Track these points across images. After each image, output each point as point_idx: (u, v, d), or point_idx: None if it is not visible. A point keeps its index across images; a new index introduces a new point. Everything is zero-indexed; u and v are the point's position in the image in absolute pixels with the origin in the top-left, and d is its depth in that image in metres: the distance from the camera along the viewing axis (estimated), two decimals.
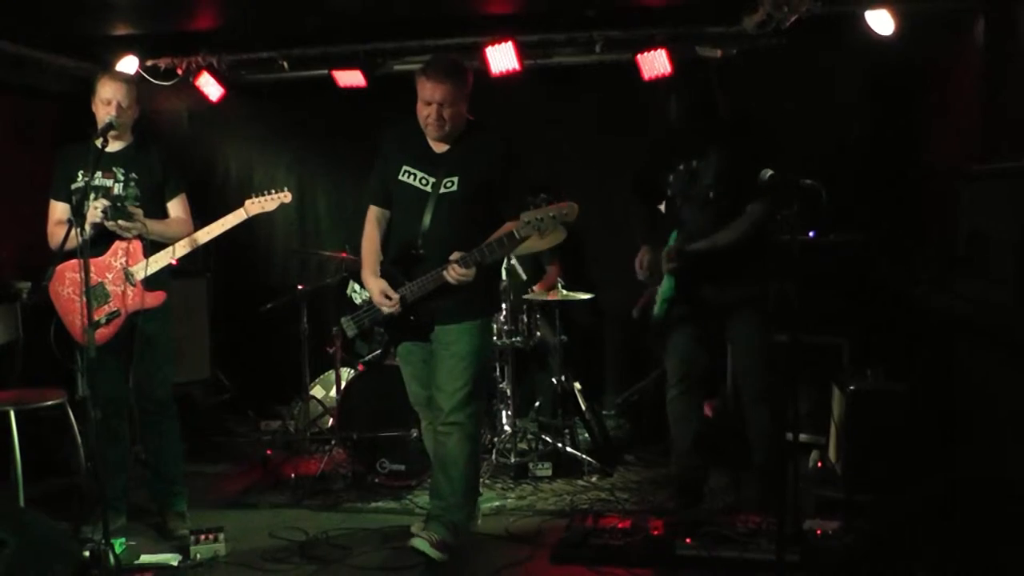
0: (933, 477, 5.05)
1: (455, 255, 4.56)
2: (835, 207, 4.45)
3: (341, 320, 5.05)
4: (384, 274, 4.79)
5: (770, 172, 4.33)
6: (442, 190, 4.70)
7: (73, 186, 4.98)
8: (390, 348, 5.02)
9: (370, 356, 6.16)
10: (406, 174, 4.78)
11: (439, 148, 4.78)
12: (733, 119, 5.12)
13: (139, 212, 4.94)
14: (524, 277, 6.79)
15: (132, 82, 5.17)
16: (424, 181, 4.74)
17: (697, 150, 5.09)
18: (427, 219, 4.71)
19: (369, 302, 4.89)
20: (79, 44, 7.26)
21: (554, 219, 4.45)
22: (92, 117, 5.03)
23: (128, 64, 7.23)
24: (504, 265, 6.30)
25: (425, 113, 4.63)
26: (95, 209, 4.83)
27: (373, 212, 4.96)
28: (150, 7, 6.69)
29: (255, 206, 5.23)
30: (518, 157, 4.86)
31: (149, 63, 7.50)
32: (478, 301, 4.79)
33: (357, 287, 6.10)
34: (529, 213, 4.48)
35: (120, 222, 4.89)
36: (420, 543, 4.69)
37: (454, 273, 4.56)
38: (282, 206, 5.29)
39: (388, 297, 4.71)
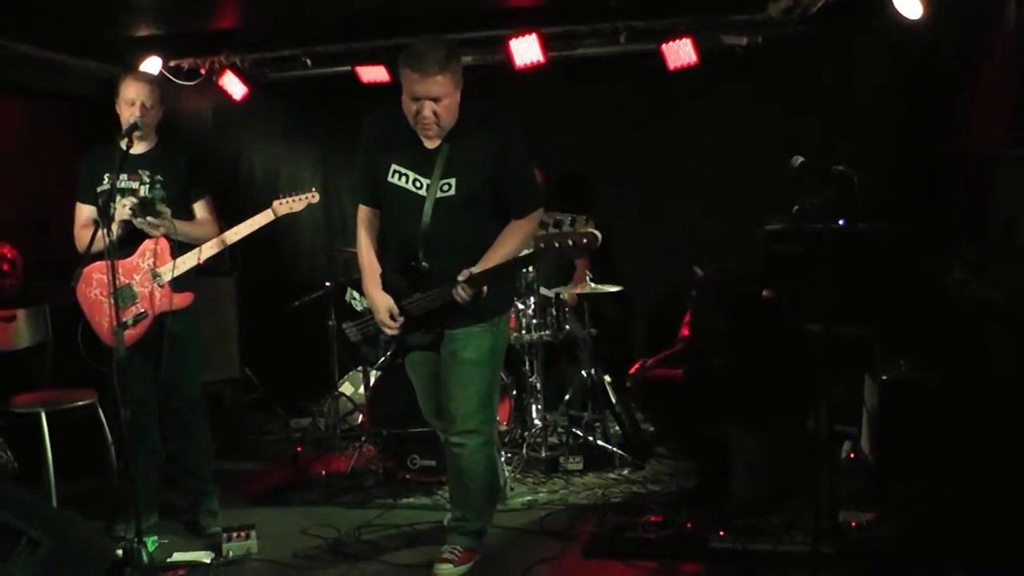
0: (970, 469, 5.00)
1: (463, 274, 4.20)
2: (865, 194, 4.40)
3: (344, 326, 4.86)
4: (386, 285, 4.47)
5: (801, 159, 4.29)
6: (439, 194, 4.29)
7: (99, 188, 4.98)
8: (397, 358, 4.84)
9: (380, 362, 6.14)
10: (396, 175, 4.37)
11: (431, 143, 4.32)
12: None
13: (167, 211, 4.93)
14: (552, 295, 6.69)
15: (155, 82, 5.17)
16: (418, 183, 4.33)
17: None
18: (425, 225, 4.31)
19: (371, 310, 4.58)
20: (103, 46, 7.29)
21: (574, 247, 4.05)
22: (117, 119, 5.03)
23: (151, 65, 7.26)
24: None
25: (415, 109, 4.15)
26: (123, 207, 4.83)
27: (364, 213, 4.59)
28: (172, 7, 6.71)
29: (283, 207, 5.22)
30: (523, 146, 4.41)
31: (172, 63, 7.55)
32: (488, 303, 4.37)
33: (356, 294, 6.04)
34: (546, 236, 4.08)
35: (149, 219, 4.89)
36: (445, 569, 4.54)
37: (463, 294, 4.21)
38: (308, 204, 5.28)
39: (393, 317, 4.40)
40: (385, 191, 4.44)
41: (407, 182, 4.36)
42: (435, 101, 4.13)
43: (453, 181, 4.30)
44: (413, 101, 4.15)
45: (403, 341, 4.57)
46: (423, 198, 4.32)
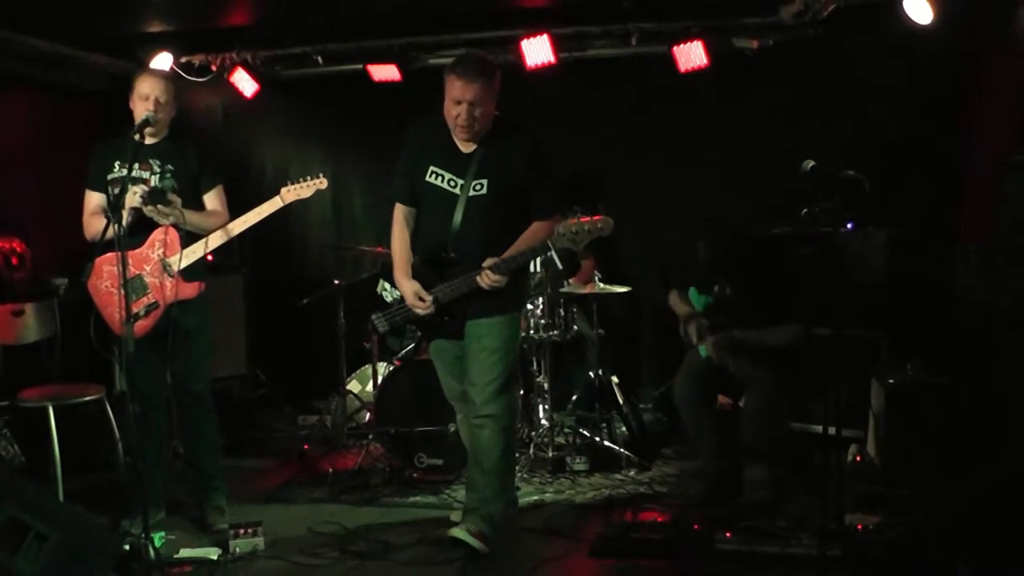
0: (976, 472, 5.00)
1: (488, 261, 4.60)
2: (874, 198, 4.41)
3: (372, 317, 5.11)
4: (416, 275, 4.84)
5: (812, 163, 4.31)
6: (471, 193, 4.70)
7: (109, 176, 4.99)
8: (422, 344, 5.05)
9: (403, 352, 6.15)
10: (433, 175, 4.78)
11: (466, 148, 4.75)
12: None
13: (177, 200, 4.95)
14: (560, 266, 6.72)
15: (170, 79, 5.20)
16: (452, 183, 4.74)
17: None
18: (457, 222, 4.72)
19: (401, 300, 4.93)
20: (114, 42, 7.30)
21: (589, 233, 4.48)
22: (128, 115, 5.03)
23: (162, 61, 7.27)
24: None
25: (455, 113, 4.59)
26: (134, 194, 4.84)
27: (400, 211, 4.99)
28: (184, 4, 6.71)
29: (291, 193, 5.21)
30: (548, 156, 4.81)
31: (183, 60, 7.56)
32: (508, 296, 4.78)
33: (388, 286, 6.14)
34: (565, 225, 4.48)
35: (159, 207, 4.90)
36: (459, 532, 4.74)
37: (488, 280, 4.60)
38: (318, 200, 5.30)
39: (422, 299, 4.76)
40: (422, 189, 4.85)
41: (443, 181, 4.76)
42: (473, 106, 4.55)
43: (485, 181, 4.70)
44: (455, 105, 4.58)
45: (430, 328, 4.96)
46: (457, 196, 4.73)
